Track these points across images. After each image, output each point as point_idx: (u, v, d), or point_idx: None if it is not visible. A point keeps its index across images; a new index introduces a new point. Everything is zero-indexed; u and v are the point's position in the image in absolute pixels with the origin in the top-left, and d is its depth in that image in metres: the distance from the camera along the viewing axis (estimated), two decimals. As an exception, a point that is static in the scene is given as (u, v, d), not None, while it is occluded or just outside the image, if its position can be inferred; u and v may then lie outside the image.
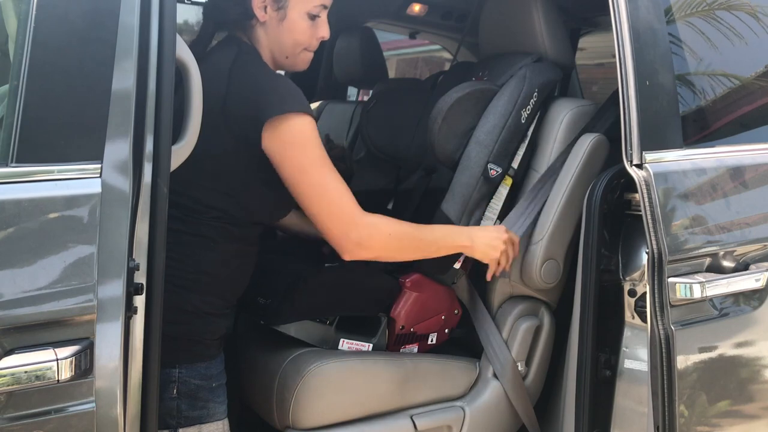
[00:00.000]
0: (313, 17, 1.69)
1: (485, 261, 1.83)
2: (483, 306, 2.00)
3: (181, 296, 1.55)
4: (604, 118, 2.00)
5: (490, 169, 1.92)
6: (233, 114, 1.56)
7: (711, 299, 1.73)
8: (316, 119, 1.62)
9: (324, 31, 1.72)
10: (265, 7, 1.66)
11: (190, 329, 1.56)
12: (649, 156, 1.69)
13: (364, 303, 1.91)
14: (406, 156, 2.37)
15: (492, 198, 1.97)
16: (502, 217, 1.98)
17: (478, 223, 1.95)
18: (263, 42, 1.70)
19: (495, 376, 1.96)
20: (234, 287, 1.67)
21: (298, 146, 1.56)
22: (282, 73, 1.85)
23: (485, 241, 1.80)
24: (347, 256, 1.64)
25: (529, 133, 2.00)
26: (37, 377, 1.14)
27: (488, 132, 1.94)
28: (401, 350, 1.95)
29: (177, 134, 1.43)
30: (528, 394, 1.99)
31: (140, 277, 1.27)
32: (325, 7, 1.71)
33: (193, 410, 1.56)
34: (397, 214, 2.22)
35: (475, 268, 2.03)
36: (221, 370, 1.64)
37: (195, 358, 1.57)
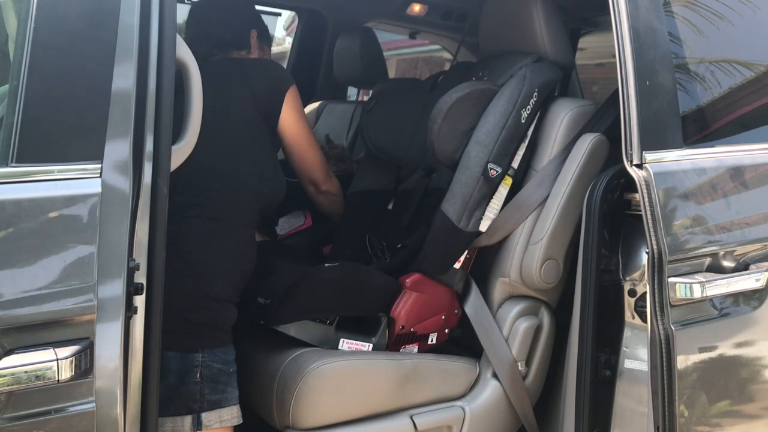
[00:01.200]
0: None
1: None
2: (484, 303, 1.99)
3: (207, 282, 1.65)
4: (604, 118, 1.99)
5: (490, 169, 1.92)
6: (260, 90, 1.88)
7: (711, 299, 1.73)
8: (316, 119, 1.75)
9: None
10: (253, 45, 2.08)
11: (213, 315, 1.65)
12: (649, 156, 1.69)
13: (364, 303, 1.91)
14: (406, 156, 2.36)
15: (492, 198, 1.97)
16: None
17: (478, 222, 1.95)
18: None
19: (495, 376, 1.96)
20: (245, 274, 1.78)
21: (303, 115, 2.00)
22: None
23: None
24: (323, 188, 2.12)
25: (529, 133, 2.00)
26: (37, 377, 1.14)
27: (488, 132, 1.94)
28: (401, 350, 1.95)
29: (177, 134, 1.43)
30: (528, 394, 1.99)
31: (140, 277, 1.27)
32: None
33: (214, 394, 1.63)
34: (398, 214, 2.23)
35: (475, 267, 2.04)
36: (234, 356, 1.71)
37: (216, 343, 1.65)
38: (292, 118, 1.94)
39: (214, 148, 1.74)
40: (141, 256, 1.27)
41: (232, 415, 1.67)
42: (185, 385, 1.60)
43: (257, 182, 1.84)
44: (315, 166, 2.07)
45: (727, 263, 1.77)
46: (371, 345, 1.90)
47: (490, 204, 1.97)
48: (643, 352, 1.70)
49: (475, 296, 2.00)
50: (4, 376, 1.12)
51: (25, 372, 1.13)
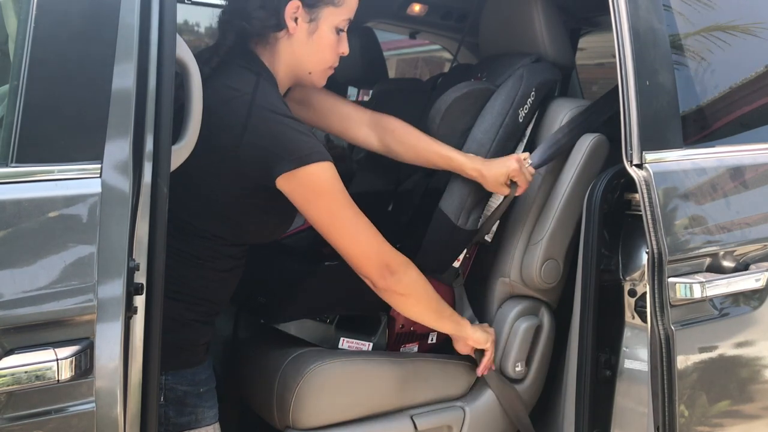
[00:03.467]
0: (339, 32, 1.66)
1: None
2: (470, 308, 2.00)
3: (166, 305, 1.53)
4: (601, 113, 1.99)
5: None
6: (247, 156, 1.51)
7: (711, 299, 1.73)
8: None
9: (345, 47, 1.69)
10: (296, 19, 1.59)
11: (174, 336, 1.53)
12: (649, 156, 1.69)
13: (364, 302, 1.91)
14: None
15: (491, 198, 1.97)
16: (500, 216, 1.98)
17: (476, 221, 1.95)
18: (285, 57, 1.63)
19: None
20: (219, 297, 1.64)
21: (324, 194, 1.54)
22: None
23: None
24: (381, 295, 1.67)
25: (527, 132, 2.00)
26: (37, 377, 1.14)
27: (485, 131, 1.94)
28: (401, 349, 1.95)
29: (177, 134, 1.43)
30: (526, 397, 1.99)
31: (140, 277, 1.27)
32: (350, 18, 1.67)
33: (181, 416, 1.55)
34: (397, 215, 2.23)
35: (475, 267, 2.03)
36: (209, 374, 1.63)
37: (181, 365, 1.56)
38: (298, 202, 1.55)
39: (180, 193, 1.43)
40: (141, 256, 1.27)
41: None
42: None
43: (229, 236, 1.58)
44: (349, 255, 1.61)
45: (727, 263, 1.77)
46: (371, 344, 1.90)
47: (489, 203, 1.97)
48: (643, 352, 1.70)
49: (462, 301, 2.00)
50: (4, 376, 1.12)
51: (25, 372, 1.13)
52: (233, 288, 1.68)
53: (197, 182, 1.50)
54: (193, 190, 1.51)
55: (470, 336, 1.85)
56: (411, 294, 1.69)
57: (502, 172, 1.84)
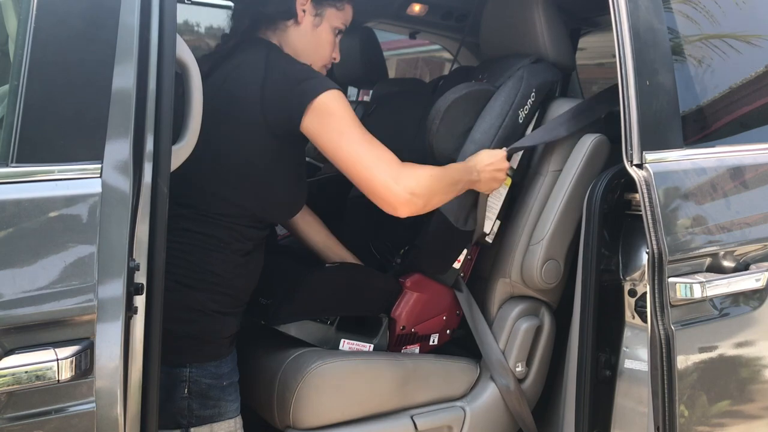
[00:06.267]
0: (336, 33, 1.83)
1: (488, 192, 1.93)
2: (479, 311, 2.00)
3: (189, 295, 1.57)
4: (599, 109, 1.99)
5: None
6: (272, 103, 1.61)
7: (711, 299, 1.73)
8: None
9: (337, 53, 1.86)
10: (304, 11, 1.76)
11: (198, 328, 1.57)
12: (649, 156, 1.69)
13: (365, 303, 1.91)
14: (406, 159, 2.36)
15: (490, 198, 1.97)
16: (501, 217, 1.98)
17: (475, 223, 1.94)
18: (292, 44, 1.78)
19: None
20: (243, 286, 1.68)
21: (333, 114, 1.62)
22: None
23: (490, 175, 1.86)
24: (403, 209, 1.64)
25: (528, 133, 2.00)
26: (38, 377, 1.14)
27: (485, 131, 1.94)
28: (402, 351, 1.95)
29: (177, 134, 1.43)
30: (526, 397, 1.99)
31: (140, 277, 1.27)
32: (345, 25, 1.84)
33: (204, 409, 1.57)
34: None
35: (476, 267, 2.03)
36: (232, 368, 1.65)
37: (205, 358, 1.58)
38: (313, 132, 1.63)
39: (208, 164, 1.58)
40: (141, 256, 1.27)
41: (227, 429, 1.61)
42: (172, 401, 1.54)
43: (256, 208, 1.66)
44: (360, 180, 1.64)
45: (728, 263, 1.77)
46: (372, 345, 1.90)
47: (490, 204, 1.97)
48: (643, 352, 1.70)
49: (467, 300, 2.00)
50: (5, 376, 1.12)
51: (26, 372, 1.13)
52: (254, 279, 1.72)
53: (227, 150, 1.60)
54: (227, 161, 1.61)
55: (477, 167, 1.84)
56: (430, 203, 1.69)
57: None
